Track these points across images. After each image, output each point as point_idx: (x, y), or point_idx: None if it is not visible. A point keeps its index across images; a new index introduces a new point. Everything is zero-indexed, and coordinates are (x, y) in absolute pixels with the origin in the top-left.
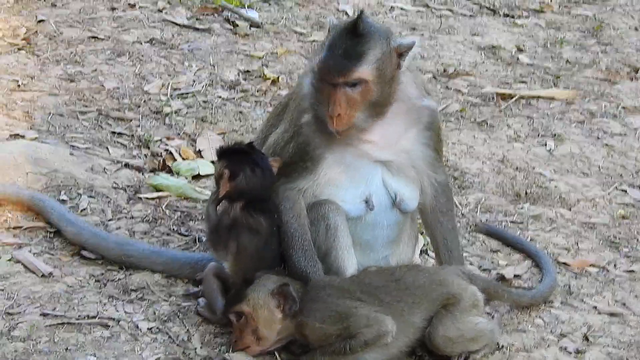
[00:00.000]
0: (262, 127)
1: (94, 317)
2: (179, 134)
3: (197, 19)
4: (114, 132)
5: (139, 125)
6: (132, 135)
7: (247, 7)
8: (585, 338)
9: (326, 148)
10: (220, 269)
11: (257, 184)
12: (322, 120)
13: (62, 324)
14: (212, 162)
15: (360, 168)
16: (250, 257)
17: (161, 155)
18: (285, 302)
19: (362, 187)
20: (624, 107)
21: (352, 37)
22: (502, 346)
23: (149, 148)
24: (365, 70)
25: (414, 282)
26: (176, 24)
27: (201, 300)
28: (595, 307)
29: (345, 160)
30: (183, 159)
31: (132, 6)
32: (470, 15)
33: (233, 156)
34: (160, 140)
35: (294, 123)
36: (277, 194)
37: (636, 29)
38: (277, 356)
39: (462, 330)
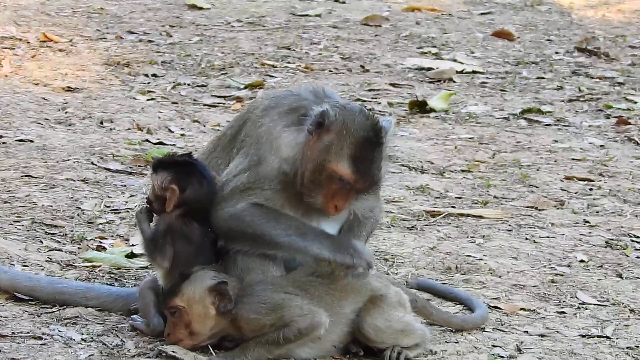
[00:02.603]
0: (202, 157)
1: (27, 332)
2: (112, 236)
3: (130, 167)
4: (47, 233)
5: (72, 230)
6: (65, 235)
7: None
8: (518, 349)
9: (282, 188)
10: (155, 282)
11: (203, 195)
12: (292, 179)
13: None
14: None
15: (304, 212)
16: (184, 265)
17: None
18: (220, 300)
19: None
20: (552, 223)
21: (375, 148)
22: (435, 352)
23: (81, 243)
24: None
25: (336, 277)
26: (109, 170)
27: (136, 316)
28: (526, 332)
29: (294, 202)
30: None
31: (66, 160)
32: (399, 173)
33: (177, 168)
34: (94, 239)
35: (255, 157)
36: (232, 212)
37: (562, 181)
38: (211, 350)
39: (389, 321)
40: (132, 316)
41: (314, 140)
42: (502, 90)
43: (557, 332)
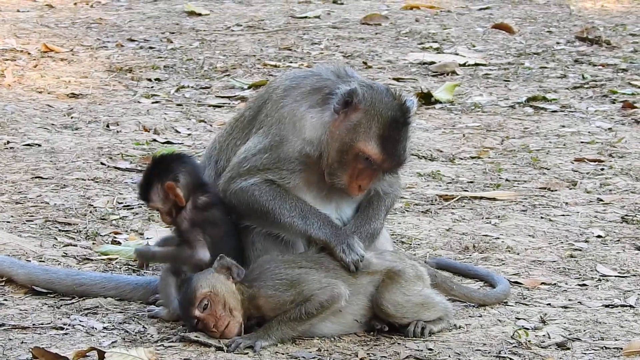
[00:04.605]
0: (219, 139)
1: (48, 323)
2: (126, 231)
3: (139, 166)
4: (61, 230)
5: (86, 227)
6: (79, 232)
7: None
8: (542, 321)
9: (303, 169)
10: (175, 267)
11: (194, 170)
12: (316, 160)
13: (16, 327)
14: None
15: (325, 194)
16: (220, 250)
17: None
18: (230, 271)
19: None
20: (566, 203)
21: (402, 128)
22: (460, 326)
23: (95, 239)
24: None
25: None
26: (119, 169)
27: (153, 306)
28: (549, 304)
29: (315, 183)
30: None
31: (75, 162)
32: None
33: (154, 174)
34: (108, 235)
35: (276, 137)
36: (243, 186)
37: (572, 163)
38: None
39: (408, 296)
40: (150, 306)
41: (340, 119)
42: (505, 81)
43: (580, 303)
